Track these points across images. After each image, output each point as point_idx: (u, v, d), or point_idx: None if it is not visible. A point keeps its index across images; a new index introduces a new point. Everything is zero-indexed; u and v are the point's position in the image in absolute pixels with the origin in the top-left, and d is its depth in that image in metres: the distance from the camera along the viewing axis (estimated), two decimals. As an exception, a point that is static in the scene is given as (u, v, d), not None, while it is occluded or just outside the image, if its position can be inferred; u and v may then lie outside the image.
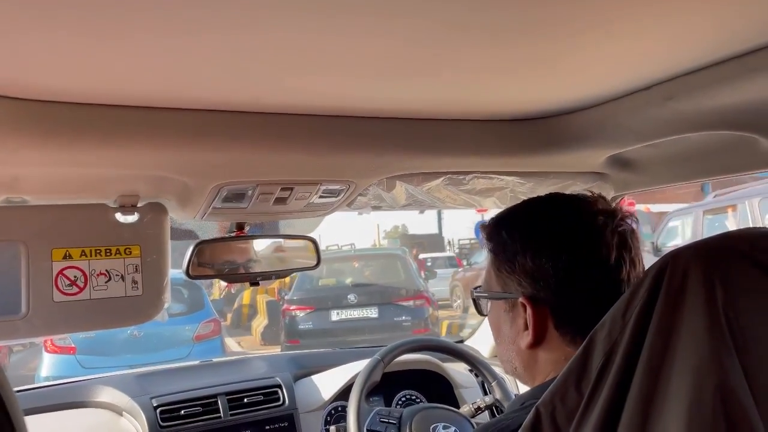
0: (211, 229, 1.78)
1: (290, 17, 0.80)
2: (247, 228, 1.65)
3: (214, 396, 2.04)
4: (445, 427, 1.80)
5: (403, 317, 9.34)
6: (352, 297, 9.37)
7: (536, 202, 1.12)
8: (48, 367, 7.24)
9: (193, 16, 0.78)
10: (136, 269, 1.49)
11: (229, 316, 13.19)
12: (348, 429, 1.82)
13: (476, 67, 1.05)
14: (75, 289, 1.43)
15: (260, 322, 11.76)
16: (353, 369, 2.10)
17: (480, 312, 1.21)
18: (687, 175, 1.64)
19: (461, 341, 2.64)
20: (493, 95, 1.25)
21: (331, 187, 1.48)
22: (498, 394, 1.95)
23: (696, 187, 11.86)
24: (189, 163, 1.28)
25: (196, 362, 2.48)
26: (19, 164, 1.18)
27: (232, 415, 2.02)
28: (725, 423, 0.62)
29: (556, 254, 1.01)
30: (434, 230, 24.60)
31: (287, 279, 10.68)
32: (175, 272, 1.60)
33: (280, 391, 2.13)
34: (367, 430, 1.82)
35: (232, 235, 1.64)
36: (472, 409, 1.92)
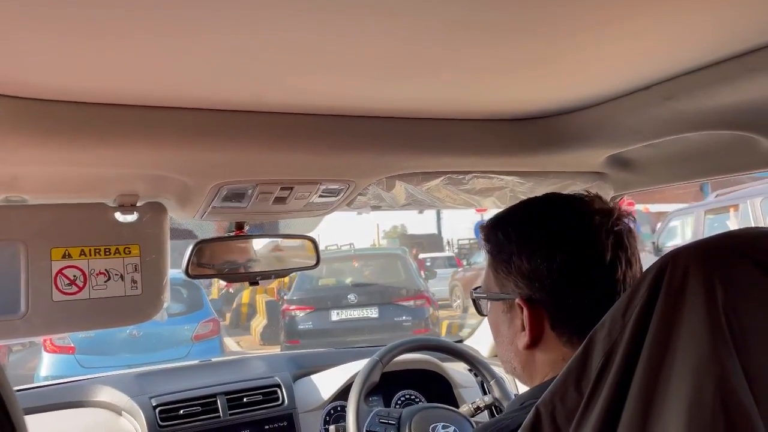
0: (209, 228, 1.78)
1: (290, 16, 0.80)
2: (246, 227, 1.65)
3: (213, 396, 2.04)
4: (444, 427, 1.79)
5: (404, 317, 9.31)
6: (352, 297, 9.34)
7: (533, 203, 1.12)
8: (47, 366, 7.24)
9: (193, 16, 0.78)
10: (136, 269, 1.49)
11: (228, 315, 13.17)
12: (347, 430, 1.81)
13: (476, 66, 1.05)
14: (74, 289, 1.42)
15: (259, 322, 11.75)
16: (352, 369, 2.10)
17: (480, 312, 1.22)
18: (686, 175, 1.64)
19: (460, 341, 2.64)
20: (493, 95, 1.25)
21: (330, 187, 1.48)
22: (497, 394, 1.95)
23: (695, 188, 11.87)
24: (188, 163, 1.28)
25: (195, 362, 2.48)
26: (18, 163, 1.18)
27: (231, 414, 2.02)
28: (725, 423, 0.62)
29: (551, 255, 1.01)
30: (433, 230, 24.60)
31: (286, 279, 10.66)
32: (174, 272, 1.60)
33: (279, 391, 2.13)
34: (366, 431, 1.82)
35: (232, 234, 1.64)
36: (472, 408, 1.92)
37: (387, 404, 2.25)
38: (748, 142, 1.32)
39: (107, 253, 1.46)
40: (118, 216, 1.45)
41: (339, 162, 1.39)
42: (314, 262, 1.76)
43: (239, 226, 1.64)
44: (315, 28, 0.84)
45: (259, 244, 1.74)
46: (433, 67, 1.05)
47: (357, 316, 9.28)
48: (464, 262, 18.77)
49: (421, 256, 18.34)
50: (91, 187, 1.39)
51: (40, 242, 1.40)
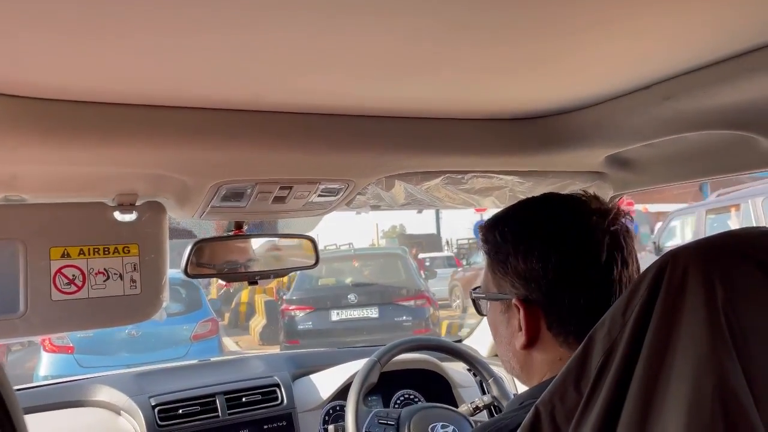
0: (208, 228, 1.78)
1: (290, 16, 0.80)
2: (245, 227, 1.65)
3: (212, 395, 2.04)
4: (443, 427, 1.79)
5: (404, 317, 9.29)
6: (352, 297, 9.31)
7: (530, 203, 1.12)
8: (46, 366, 7.24)
9: (193, 15, 0.78)
10: (135, 268, 1.48)
11: (226, 315, 13.17)
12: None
13: (476, 66, 1.05)
14: (73, 288, 1.42)
15: (258, 322, 11.74)
16: (351, 368, 2.10)
17: (479, 312, 1.22)
18: (686, 175, 1.64)
19: (459, 341, 2.64)
20: (493, 94, 1.25)
21: (330, 186, 1.48)
22: (496, 394, 1.95)
23: (694, 188, 11.88)
24: (188, 162, 1.27)
25: (195, 361, 2.48)
26: (17, 162, 1.18)
27: (230, 414, 2.02)
28: (724, 423, 0.62)
29: (547, 255, 1.01)
30: (432, 230, 24.58)
31: (285, 279, 10.65)
32: (172, 272, 1.60)
33: (278, 391, 2.13)
34: (365, 431, 1.81)
35: (231, 234, 1.64)
36: (471, 408, 1.92)
37: (386, 404, 2.25)
38: (747, 142, 1.32)
39: (106, 253, 1.46)
40: (117, 215, 1.45)
41: (338, 161, 1.39)
42: (313, 262, 1.76)
43: (238, 226, 1.64)
44: (314, 28, 0.84)
45: (258, 244, 1.74)
46: (433, 67, 1.05)
47: (357, 316, 9.25)
48: (464, 262, 18.78)
49: (421, 255, 18.34)
50: (90, 186, 1.39)
51: (39, 241, 1.40)
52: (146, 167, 1.28)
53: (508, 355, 1.10)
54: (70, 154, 1.15)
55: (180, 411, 1.97)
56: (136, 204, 1.46)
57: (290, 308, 9.41)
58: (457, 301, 13.71)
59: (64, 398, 2.02)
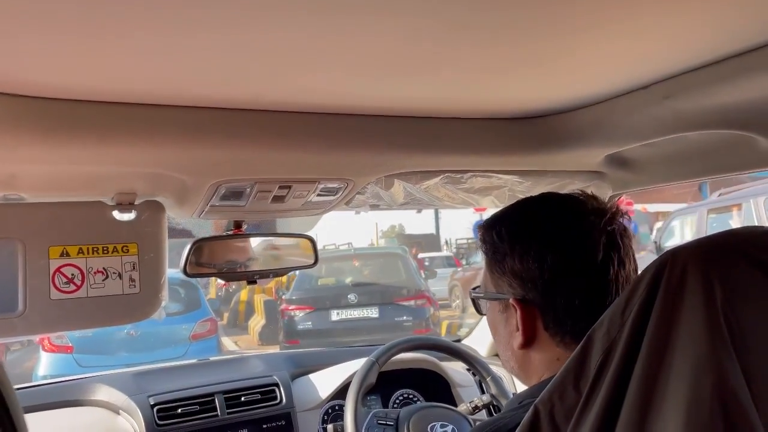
0: (207, 227, 1.78)
1: (289, 15, 0.80)
2: (244, 226, 1.64)
3: (211, 394, 2.04)
4: (442, 426, 1.79)
5: (405, 317, 9.24)
6: (352, 297, 9.27)
7: (527, 203, 1.12)
8: (45, 365, 7.25)
9: (192, 15, 0.78)
10: (134, 267, 1.48)
11: (225, 315, 13.16)
12: None
13: (475, 65, 1.05)
14: (72, 287, 1.42)
15: (258, 322, 11.73)
16: (350, 368, 2.10)
17: (479, 311, 1.22)
18: (685, 174, 1.64)
19: (458, 340, 2.64)
20: (492, 94, 1.25)
21: (329, 185, 1.48)
22: (495, 393, 1.95)
23: (694, 187, 11.88)
24: (187, 161, 1.27)
25: (193, 361, 2.48)
26: (16, 161, 1.18)
27: (229, 413, 2.02)
28: (723, 422, 0.62)
29: (543, 255, 1.01)
30: (431, 230, 24.57)
31: (284, 278, 10.64)
32: (171, 272, 1.59)
33: (277, 390, 2.13)
34: None
35: (230, 233, 1.64)
36: (470, 407, 1.92)
37: (385, 404, 2.25)
38: (746, 142, 1.32)
39: (105, 252, 1.46)
40: (116, 214, 1.45)
41: (337, 160, 1.39)
42: (312, 261, 1.76)
43: (237, 225, 1.64)
44: (314, 27, 0.84)
45: (257, 243, 1.74)
46: (432, 66, 1.05)
47: (357, 316, 9.20)
48: (463, 262, 18.79)
49: (420, 255, 18.33)
50: (89, 185, 1.38)
51: (37, 241, 1.40)
52: (145, 166, 1.28)
53: (507, 355, 1.11)
54: (69, 153, 1.15)
55: (179, 410, 1.97)
56: (135, 203, 1.46)
57: (290, 308, 9.37)
58: (457, 301, 13.70)
59: (63, 397, 2.02)
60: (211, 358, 2.54)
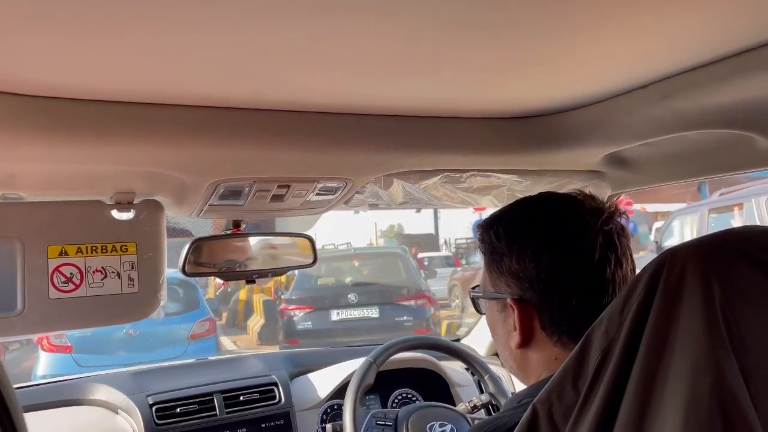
0: (206, 226, 1.78)
1: (289, 15, 0.80)
2: (243, 225, 1.64)
3: (210, 394, 2.04)
4: (441, 426, 1.79)
5: (405, 317, 9.21)
6: (352, 296, 9.24)
7: (524, 203, 1.13)
8: (45, 365, 7.25)
9: (192, 14, 0.78)
10: (132, 266, 1.48)
11: (224, 315, 13.15)
12: None
13: (474, 65, 1.05)
14: (71, 286, 1.42)
15: (257, 322, 11.71)
16: (349, 367, 2.10)
17: (478, 311, 1.22)
18: (684, 174, 1.64)
19: (457, 340, 2.64)
20: (491, 93, 1.25)
21: (328, 185, 1.48)
22: (494, 392, 1.95)
23: (693, 187, 11.88)
24: (186, 160, 1.27)
25: (192, 360, 2.47)
26: (15, 160, 1.18)
27: (228, 413, 2.02)
28: (722, 421, 0.62)
29: (539, 255, 1.01)
30: (430, 230, 24.59)
31: (283, 278, 10.63)
32: (170, 271, 1.59)
33: (276, 389, 2.12)
34: None
35: (229, 232, 1.64)
36: (469, 407, 1.92)
37: (384, 403, 2.25)
38: (745, 141, 1.32)
39: (104, 251, 1.46)
40: (115, 213, 1.45)
41: (336, 160, 1.39)
42: (311, 261, 1.76)
43: (236, 224, 1.64)
44: (313, 27, 0.84)
45: (256, 243, 1.74)
46: (431, 66, 1.05)
47: (357, 315, 9.17)
48: (463, 262, 18.79)
49: (419, 255, 18.33)
50: (88, 184, 1.38)
51: (36, 240, 1.40)
52: (144, 165, 1.28)
53: (506, 354, 1.11)
54: (68, 151, 1.15)
55: (178, 409, 1.97)
56: (134, 202, 1.46)
57: (290, 308, 9.34)
58: (457, 301, 13.70)
59: (61, 397, 2.01)
60: (210, 358, 2.53)
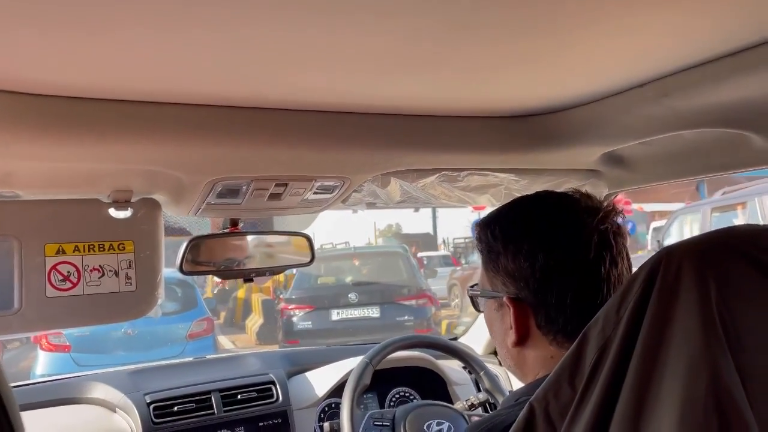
0: (204, 225, 1.77)
1: (288, 13, 0.80)
2: (241, 224, 1.64)
3: (208, 392, 2.04)
4: (438, 424, 1.79)
5: (406, 317, 9.15)
6: (352, 296, 9.19)
7: (521, 202, 1.13)
8: (43, 364, 7.25)
9: (190, 11, 0.78)
10: (130, 265, 1.48)
11: (222, 314, 13.14)
12: None
13: (471, 64, 1.05)
14: (68, 285, 1.42)
15: (255, 321, 11.69)
16: (347, 366, 2.10)
17: (477, 309, 1.23)
18: (681, 173, 1.64)
19: (455, 338, 2.64)
20: (488, 92, 1.25)
21: (325, 183, 1.48)
22: (491, 390, 1.95)
23: (691, 187, 11.87)
24: (183, 158, 1.27)
25: (190, 359, 2.48)
26: (12, 158, 1.17)
27: (225, 411, 2.01)
28: (718, 420, 0.62)
29: (534, 254, 1.01)
30: (428, 229, 24.62)
31: (282, 277, 10.62)
32: (168, 271, 1.59)
33: (273, 388, 2.12)
34: None
35: (226, 231, 1.64)
36: (466, 405, 1.92)
37: (381, 402, 2.25)
38: (742, 140, 1.32)
39: (101, 249, 1.46)
40: (112, 212, 1.45)
41: (334, 158, 1.39)
42: (309, 259, 1.76)
43: (234, 223, 1.64)
44: (312, 26, 0.84)
45: (253, 241, 1.73)
46: (429, 65, 1.05)
47: (358, 315, 9.12)
48: (462, 261, 18.80)
49: (419, 255, 18.33)
50: (86, 182, 1.38)
51: (33, 238, 1.40)
52: (142, 164, 1.28)
53: (504, 352, 1.11)
54: (65, 150, 1.15)
55: (175, 408, 1.97)
56: (132, 201, 1.46)
57: (289, 307, 9.28)
58: (456, 300, 13.70)
59: (59, 395, 2.01)
60: (208, 356, 2.53)
